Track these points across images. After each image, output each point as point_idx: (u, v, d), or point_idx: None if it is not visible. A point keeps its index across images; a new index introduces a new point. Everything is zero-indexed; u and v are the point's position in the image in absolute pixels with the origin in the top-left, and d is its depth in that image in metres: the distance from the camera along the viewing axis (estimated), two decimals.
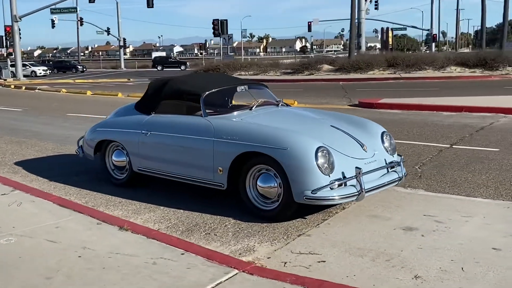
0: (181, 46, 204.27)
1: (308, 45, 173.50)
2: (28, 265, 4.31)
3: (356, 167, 5.48)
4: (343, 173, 5.47)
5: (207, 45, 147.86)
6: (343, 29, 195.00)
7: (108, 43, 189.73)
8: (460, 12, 73.21)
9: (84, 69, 63.33)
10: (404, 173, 6.14)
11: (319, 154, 5.33)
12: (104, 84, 35.22)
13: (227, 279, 3.95)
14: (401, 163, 6.12)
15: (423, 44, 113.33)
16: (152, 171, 6.67)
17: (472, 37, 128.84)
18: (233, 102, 7.82)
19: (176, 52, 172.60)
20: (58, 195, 6.58)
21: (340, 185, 5.39)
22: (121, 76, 47.90)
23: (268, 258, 4.70)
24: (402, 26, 60.74)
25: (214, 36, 50.33)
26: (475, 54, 31.91)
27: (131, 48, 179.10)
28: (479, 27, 61.25)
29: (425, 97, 17.56)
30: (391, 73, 30.15)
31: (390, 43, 55.42)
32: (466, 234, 5.17)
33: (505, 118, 13.34)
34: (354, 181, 5.44)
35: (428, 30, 62.64)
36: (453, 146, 9.81)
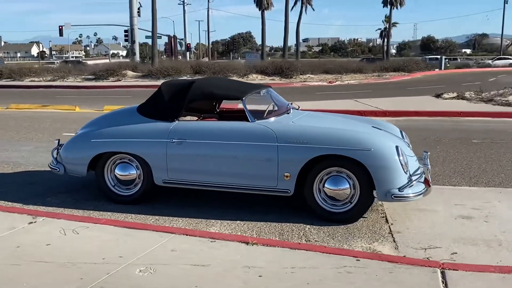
0: None
1: (46, 50, 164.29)
2: None
3: (424, 164, 5.85)
4: (408, 171, 5.79)
5: None
6: (81, 34, 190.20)
7: None
8: (200, 24, 77.64)
9: None
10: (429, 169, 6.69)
11: (399, 152, 5.58)
12: None
13: (447, 281, 3.98)
14: (427, 159, 6.67)
15: (163, 53, 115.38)
16: (188, 183, 6.06)
17: (207, 48, 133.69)
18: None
19: None
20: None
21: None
22: None
23: (403, 256, 4.80)
24: (157, 35, 60.89)
25: None
26: (271, 63, 34.55)
27: None
28: (216, 39, 65.23)
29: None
30: None
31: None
32: None
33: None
34: (421, 178, 5.80)
35: (182, 39, 64.83)
36: None
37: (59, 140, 6.97)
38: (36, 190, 7.01)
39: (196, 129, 6.08)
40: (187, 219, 5.81)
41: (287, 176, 5.68)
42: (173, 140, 6.01)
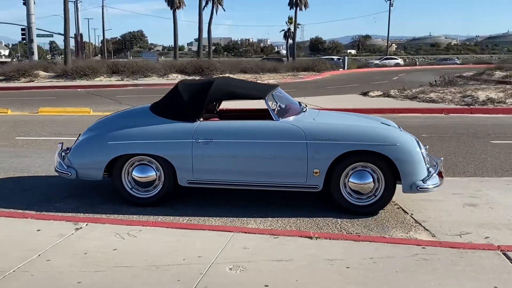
0: None
1: None
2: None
3: (438, 158, 6.27)
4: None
5: None
6: None
7: None
8: (89, 22, 75.45)
9: None
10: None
11: (420, 145, 5.95)
12: None
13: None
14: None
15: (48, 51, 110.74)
16: (214, 182, 6.05)
17: (94, 46, 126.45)
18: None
19: None
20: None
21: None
22: None
23: (466, 242, 5.11)
24: (48, 33, 57.56)
25: None
26: (189, 62, 34.41)
27: None
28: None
29: None
30: (119, 80, 30.08)
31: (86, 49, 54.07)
32: None
33: None
34: (437, 170, 6.18)
35: (73, 36, 62.31)
36: None
37: (62, 143, 6.68)
38: (37, 196, 6.65)
39: (221, 129, 6.08)
40: (218, 218, 5.81)
41: (316, 173, 5.85)
42: (199, 141, 5.97)
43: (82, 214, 5.89)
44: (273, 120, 6.09)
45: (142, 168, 6.20)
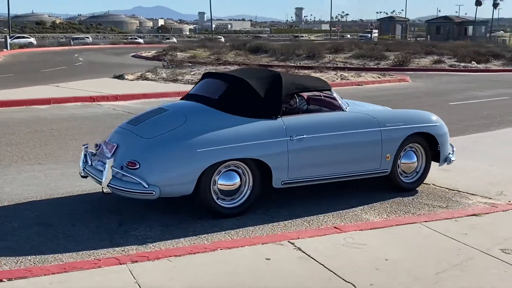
0: None
1: None
2: None
3: None
4: None
5: None
6: None
7: None
8: None
9: None
10: None
11: None
12: None
13: None
14: None
15: None
16: (306, 180, 5.79)
17: None
18: None
19: None
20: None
21: None
22: None
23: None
24: None
25: None
26: None
27: None
28: None
29: None
30: None
31: None
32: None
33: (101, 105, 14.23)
34: None
35: None
36: None
37: (113, 157, 5.23)
38: (84, 226, 5.11)
39: (309, 124, 5.80)
40: (325, 215, 5.65)
41: (388, 157, 6.20)
42: (294, 138, 5.61)
43: (168, 241, 4.89)
44: (342, 110, 6.16)
45: (229, 174, 5.44)
